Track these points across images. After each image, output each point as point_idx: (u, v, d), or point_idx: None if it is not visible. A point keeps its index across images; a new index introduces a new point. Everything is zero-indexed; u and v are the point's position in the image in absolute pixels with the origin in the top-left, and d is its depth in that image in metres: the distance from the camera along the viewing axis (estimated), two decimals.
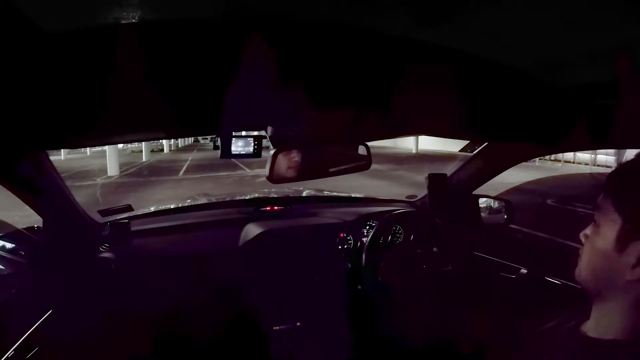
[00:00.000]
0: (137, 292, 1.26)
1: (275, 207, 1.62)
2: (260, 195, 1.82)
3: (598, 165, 10.79)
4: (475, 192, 1.53)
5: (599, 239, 0.48)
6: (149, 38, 0.44)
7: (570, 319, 0.55)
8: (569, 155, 11.82)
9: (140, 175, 10.42)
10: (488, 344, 1.04)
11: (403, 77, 0.57)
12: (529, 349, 0.56)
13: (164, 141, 21.04)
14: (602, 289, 0.48)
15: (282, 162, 0.83)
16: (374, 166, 0.99)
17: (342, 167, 0.95)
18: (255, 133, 0.97)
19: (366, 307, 1.37)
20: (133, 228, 1.34)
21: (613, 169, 0.51)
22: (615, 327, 0.46)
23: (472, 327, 1.27)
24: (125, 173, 10.81)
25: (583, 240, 0.51)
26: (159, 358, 1.22)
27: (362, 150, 0.96)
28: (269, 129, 0.74)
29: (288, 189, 2.18)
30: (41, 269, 1.12)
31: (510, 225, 1.50)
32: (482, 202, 1.53)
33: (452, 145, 15.30)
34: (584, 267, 0.50)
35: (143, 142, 13.93)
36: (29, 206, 1.06)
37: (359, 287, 1.40)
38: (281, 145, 0.79)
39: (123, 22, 0.42)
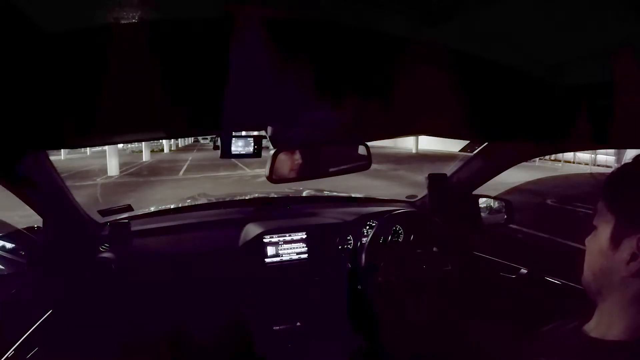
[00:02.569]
0: (137, 292, 1.26)
1: (275, 207, 1.62)
2: (260, 195, 1.82)
3: (598, 165, 10.78)
4: (475, 192, 1.53)
5: (596, 239, 0.50)
6: (149, 38, 0.44)
7: (572, 320, 0.55)
8: (569, 155, 11.81)
9: (140, 175, 10.41)
10: (488, 344, 1.04)
11: (403, 77, 0.57)
12: (530, 349, 0.56)
13: (164, 141, 21.06)
14: (601, 288, 0.49)
15: (282, 162, 0.83)
16: (373, 166, 0.99)
17: (342, 167, 0.95)
18: (255, 133, 0.97)
19: (366, 307, 1.37)
20: (133, 228, 1.34)
21: (611, 171, 0.52)
22: (616, 326, 0.47)
23: (472, 328, 1.27)
24: (125, 173, 10.80)
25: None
26: (159, 353, 1.22)
27: (362, 150, 0.96)
28: (269, 129, 0.74)
29: (288, 189, 2.17)
30: (41, 269, 1.11)
31: (510, 225, 1.50)
32: (482, 202, 1.53)
33: (452, 145, 15.28)
34: (585, 269, 0.52)
35: (143, 142, 13.94)
36: (29, 206, 1.05)
37: (359, 287, 1.39)
38: (281, 145, 0.79)
39: (123, 22, 0.42)
